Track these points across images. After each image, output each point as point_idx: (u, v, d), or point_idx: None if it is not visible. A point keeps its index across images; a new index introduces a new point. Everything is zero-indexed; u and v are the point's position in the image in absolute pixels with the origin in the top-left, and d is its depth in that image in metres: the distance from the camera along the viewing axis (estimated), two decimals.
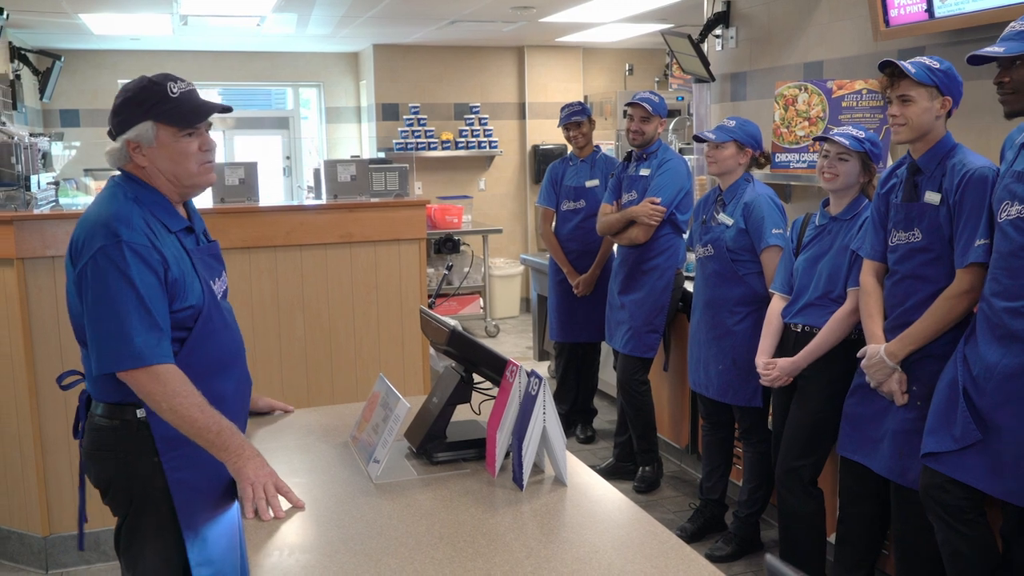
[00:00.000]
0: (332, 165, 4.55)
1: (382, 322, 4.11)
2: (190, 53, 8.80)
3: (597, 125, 5.17)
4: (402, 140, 8.59)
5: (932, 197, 2.66)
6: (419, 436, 2.19)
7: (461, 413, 2.26)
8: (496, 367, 2.13)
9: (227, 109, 2.19)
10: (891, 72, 2.67)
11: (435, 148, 8.72)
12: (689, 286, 4.11)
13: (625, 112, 4.41)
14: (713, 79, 5.22)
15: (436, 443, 2.16)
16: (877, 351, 2.73)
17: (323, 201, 4.53)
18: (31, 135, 5.97)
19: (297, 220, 3.95)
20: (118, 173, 2.11)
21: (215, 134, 9.30)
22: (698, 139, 3.77)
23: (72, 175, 7.58)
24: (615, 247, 4.50)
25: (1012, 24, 2.38)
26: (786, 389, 3.23)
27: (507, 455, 2.06)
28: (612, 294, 4.41)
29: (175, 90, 2.02)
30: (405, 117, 8.69)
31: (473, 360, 2.20)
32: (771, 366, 3.20)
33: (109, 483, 2.14)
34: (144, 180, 2.07)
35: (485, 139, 8.88)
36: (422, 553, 1.67)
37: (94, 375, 2.06)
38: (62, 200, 6.39)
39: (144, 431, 2.05)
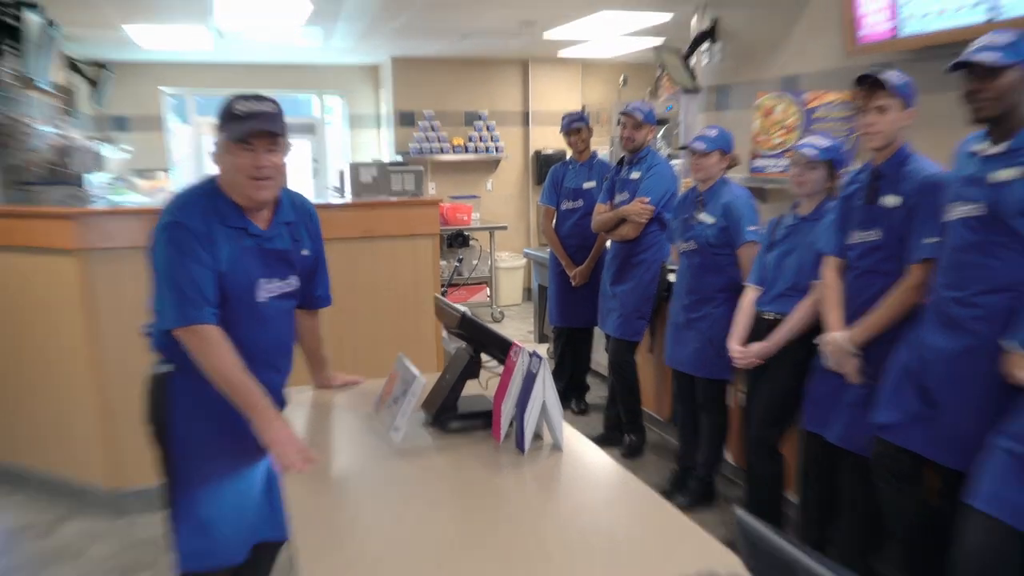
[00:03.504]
0: (356, 168, 4.61)
1: (400, 308, 4.15)
2: (227, 65, 8.81)
3: (594, 132, 5.19)
4: (417, 144, 8.61)
5: (890, 200, 2.69)
6: (434, 407, 2.24)
7: (470, 388, 2.30)
8: (501, 348, 2.18)
9: (274, 134, 2.06)
10: (872, 83, 2.68)
11: (447, 152, 8.74)
12: (672, 277, 4.16)
13: (619, 121, 4.43)
14: (699, 90, 5.24)
15: (449, 414, 2.21)
16: (838, 338, 2.76)
17: (347, 200, 4.59)
18: (87, 138, 6.03)
19: (324, 217, 3.89)
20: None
21: None
22: (685, 148, 3.79)
23: (123, 175, 7.64)
24: (608, 242, 4.54)
25: (991, 37, 2.29)
26: (757, 369, 3.28)
27: (511, 424, 2.10)
28: (604, 284, 4.44)
29: (241, 109, 2.03)
30: (420, 123, 8.71)
31: (481, 342, 2.26)
32: (745, 352, 3.25)
33: (147, 422, 2.23)
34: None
35: (492, 144, 8.89)
36: (438, 507, 1.72)
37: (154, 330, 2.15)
38: (113, 197, 6.44)
39: (166, 383, 2.15)
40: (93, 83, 7.54)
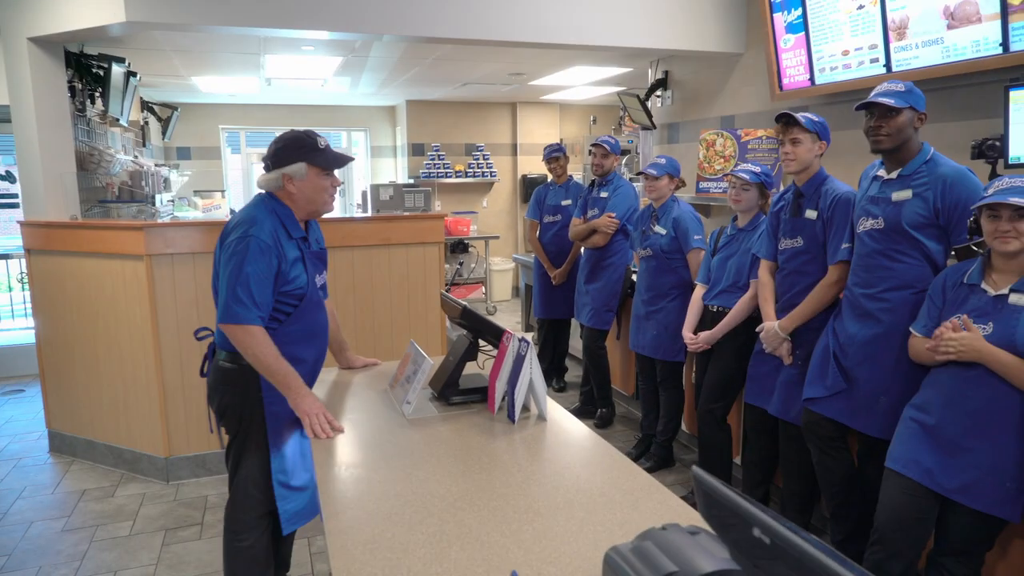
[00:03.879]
0: (376, 188, 4.55)
1: (411, 302, 4.10)
2: (272, 105, 8.74)
3: (570, 160, 5.16)
4: (426, 170, 8.55)
5: (811, 214, 2.68)
6: (440, 384, 2.19)
7: (469, 368, 2.26)
8: (496, 335, 2.13)
9: (352, 159, 2.20)
10: (786, 121, 2.68)
11: (450, 176, 8.69)
12: (635, 278, 4.12)
13: (590, 151, 4.40)
14: (655, 127, 5.21)
15: (452, 389, 2.16)
16: (772, 326, 2.74)
17: (369, 214, 4.52)
18: (156, 165, 5.93)
19: (350, 228, 3.94)
20: (263, 192, 2.12)
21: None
22: (641, 174, 3.76)
23: (185, 195, 7.55)
24: (582, 249, 4.50)
25: (888, 85, 2.29)
26: (705, 353, 3.24)
27: (503, 398, 2.06)
28: (580, 283, 4.39)
29: (322, 144, 2.08)
30: (429, 153, 8.65)
31: (479, 330, 2.20)
32: (695, 339, 3.21)
33: (226, 409, 2.15)
34: (283, 200, 2.08)
35: (487, 170, 8.84)
36: (442, 468, 1.67)
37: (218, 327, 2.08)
38: (177, 213, 6.35)
39: (254, 373, 2.06)
40: (162, 120, 7.44)
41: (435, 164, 8.59)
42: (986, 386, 1.91)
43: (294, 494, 2.14)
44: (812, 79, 3.67)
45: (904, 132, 2.25)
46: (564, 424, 1.98)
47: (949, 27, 2.91)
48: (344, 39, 3.88)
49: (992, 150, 2.59)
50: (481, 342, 2.24)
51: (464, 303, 2.22)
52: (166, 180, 6.14)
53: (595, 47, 4.10)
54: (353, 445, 1.85)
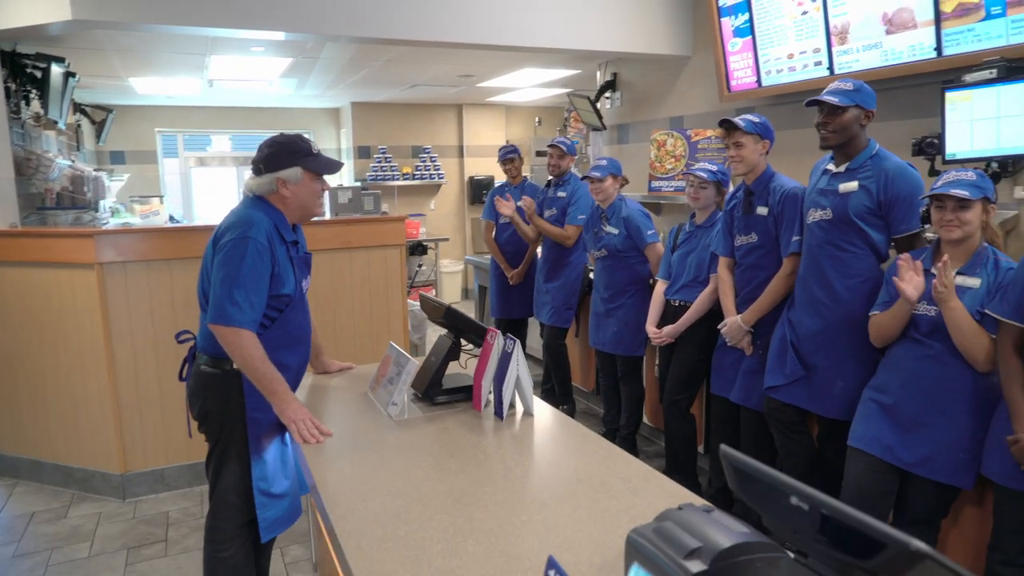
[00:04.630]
0: (334, 191, 4.48)
1: (373, 305, 4.06)
2: (211, 108, 8.48)
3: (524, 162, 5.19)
4: (374, 173, 8.47)
5: (762, 210, 2.78)
6: (423, 384, 2.19)
7: (450, 368, 2.26)
8: (479, 333, 2.15)
9: (343, 164, 2.21)
10: (727, 127, 2.78)
11: (398, 179, 8.62)
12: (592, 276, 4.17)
13: (544, 152, 4.45)
14: (605, 128, 5.31)
15: (436, 389, 2.17)
16: (735, 321, 2.84)
17: (328, 217, 4.46)
18: (94, 170, 5.68)
19: (310, 231, 3.78)
20: (251, 196, 2.08)
21: (228, 170, 9.01)
22: (586, 178, 3.79)
23: (121, 200, 7.25)
24: (539, 249, 4.53)
25: (839, 84, 2.41)
26: (668, 346, 3.33)
27: (489, 395, 2.07)
28: (539, 282, 4.42)
29: (315, 149, 2.08)
30: (375, 156, 8.57)
31: (461, 329, 2.21)
32: (659, 334, 3.30)
33: (207, 415, 2.10)
34: (275, 204, 2.06)
35: (434, 172, 8.81)
36: (439, 466, 1.68)
37: (207, 328, 2.03)
38: (115, 220, 6.09)
39: (237, 379, 2.03)
40: (96, 123, 7.12)
41: (382, 167, 8.51)
42: (940, 366, 2.05)
43: (274, 501, 2.11)
44: (759, 81, 3.82)
45: (850, 129, 2.37)
46: (550, 418, 2.01)
47: (888, 32, 3.09)
48: (296, 40, 3.82)
49: (931, 147, 2.77)
50: (462, 342, 2.25)
51: (448, 303, 2.23)
52: (105, 186, 5.87)
53: (546, 49, 4.16)
54: (345, 449, 1.84)
